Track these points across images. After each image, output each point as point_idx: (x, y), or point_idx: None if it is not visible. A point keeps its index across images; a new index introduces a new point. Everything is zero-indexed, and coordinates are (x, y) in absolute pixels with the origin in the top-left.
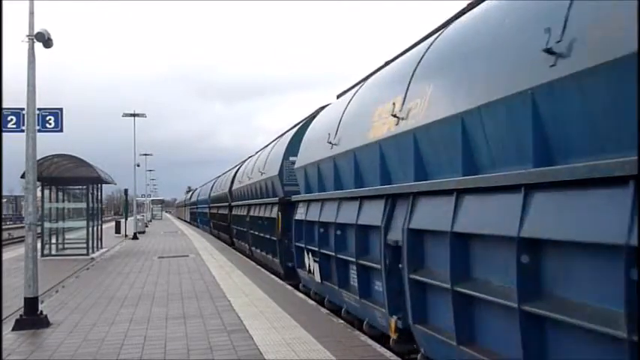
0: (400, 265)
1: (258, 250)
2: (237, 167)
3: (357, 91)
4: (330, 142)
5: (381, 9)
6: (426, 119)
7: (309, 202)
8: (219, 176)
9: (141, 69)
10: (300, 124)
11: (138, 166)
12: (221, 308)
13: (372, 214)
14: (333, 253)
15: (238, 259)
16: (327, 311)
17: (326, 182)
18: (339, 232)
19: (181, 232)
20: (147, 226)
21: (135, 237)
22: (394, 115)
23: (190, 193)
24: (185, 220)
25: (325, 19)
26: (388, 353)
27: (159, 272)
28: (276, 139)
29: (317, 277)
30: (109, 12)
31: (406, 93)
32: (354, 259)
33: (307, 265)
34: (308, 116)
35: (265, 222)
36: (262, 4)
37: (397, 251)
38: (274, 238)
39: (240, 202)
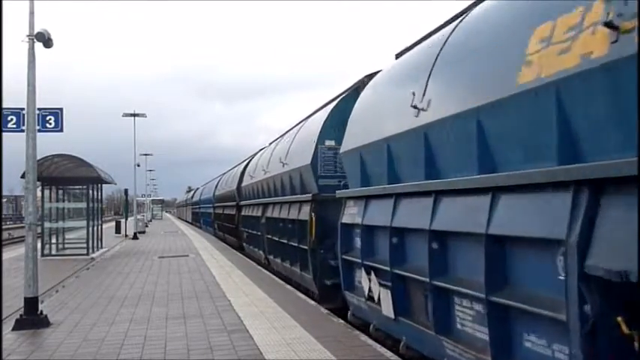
0: (624, 319)
1: (279, 260)
2: (247, 161)
3: (454, 29)
4: (415, 107)
5: (381, 9)
6: None
7: (367, 198)
8: (225, 173)
9: (141, 69)
10: (339, 98)
11: (138, 166)
12: (221, 308)
13: (535, 216)
14: (426, 279)
15: (239, 259)
16: (327, 311)
17: (403, 168)
18: (435, 246)
19: (181, 232)
20: (147, 226)
21: (135, 237)
22: (610, 25)
23: (192, 192)
24: (186, 221)
25: (325, 19)
26: (388, 353)
27: (159, 272)
28: (302, 121)
29: (387, 310)
30: (109, 12)
31: None
32: (479, 294)
33: (365, 289)
34: (348, 88)
35: (290, 225)
36: (262, 4)
37: (616, 291)
38: (305, 247)
39: (252, 201)
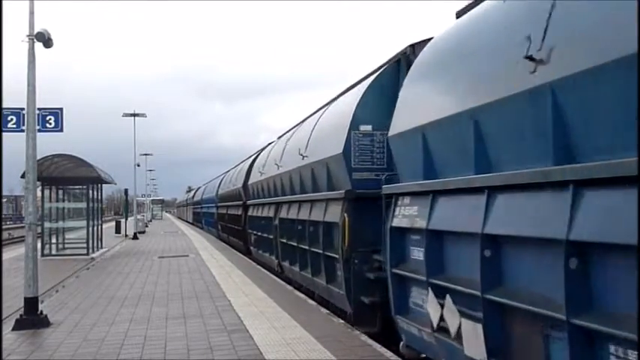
0: None
1: (296, 269)
2: (255, 156)
3: None
4: (532, 58)
5: (380, 9)
6: None
7: (434, 194)
8: (228, 171)
9: (141, 69)
10: (376, 73)
11: (138, 166)
12: (221, 308)
13: None
14: (555, 314)
15: (239, 259)
16: (327, 311)
17: (504, 150)
18: (574, 264)
19: (181, 232)
20: (147, 226)
21: (135, 237)
22: None
23: (193, 191)
24: (187, 221)
25: (325, 19)
26: (388, 353)
27: (159, 272)
28: (324, 105)
29: (473, 350)
30: (110, 12)
31: None
32: None
33: (433, 317)
34: (388, 61)
35: (312, 228)
36: (262, 4)
37: None
38: (334, 255)
39: (261, 200)
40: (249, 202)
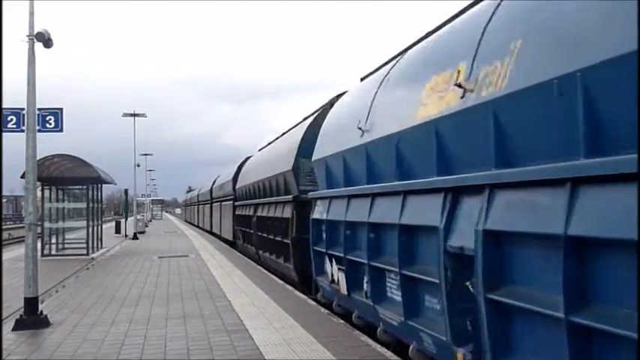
0: (468, 282)
1: (267, 254)
2: (241, 164)
3: (390, 69)
4: (361, 129)
5: (381, 12)
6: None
7: (330, 199)
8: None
9: (151, 72)
10: (315, 114)
11: (138, 166)
12: (221, 308)
13: (425, 212)
14: (365, 261)
15: (239, 259)
16: (327, 311)
17: (354, 175)
18: (372, 235)
19: (181, 232)
20: (147, 226)
21: (135, 237)
22: (459, 86)
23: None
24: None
25: (325, 25)
26: (388, 353)
27: (159, 272)
28: (287, 130)
29: (343, 289)
30: (125, 17)
31: (475, 56)
32: (396, 269)
33: (329, 274)
34: (323, 105)
35: (275, 222)
36: (268, 9)
37: (462, 261)
38: (287, 241)
39: (245, 202)
40: (237, 203)
